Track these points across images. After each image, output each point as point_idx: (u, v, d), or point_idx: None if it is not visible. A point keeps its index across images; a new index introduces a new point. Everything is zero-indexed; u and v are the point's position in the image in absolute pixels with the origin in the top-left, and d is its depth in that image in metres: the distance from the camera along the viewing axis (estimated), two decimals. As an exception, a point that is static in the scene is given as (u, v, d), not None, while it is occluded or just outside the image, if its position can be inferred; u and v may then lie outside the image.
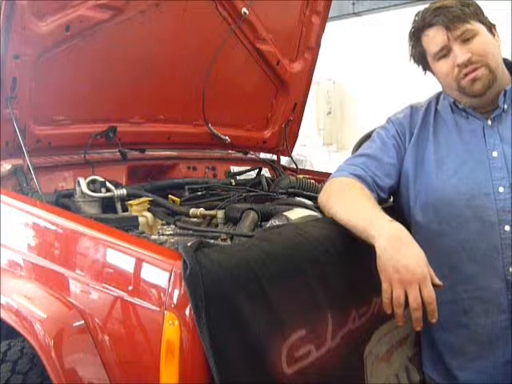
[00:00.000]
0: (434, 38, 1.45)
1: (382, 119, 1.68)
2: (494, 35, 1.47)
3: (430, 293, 1.18)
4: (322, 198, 1.50)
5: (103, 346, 1.18)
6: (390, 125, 1.62)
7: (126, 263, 1.20)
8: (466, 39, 1.41)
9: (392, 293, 1.20)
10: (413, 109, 1.62)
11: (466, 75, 1.42)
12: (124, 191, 1.85)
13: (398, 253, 1.20)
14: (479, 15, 1.45)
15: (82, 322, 1.21)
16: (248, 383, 1.06)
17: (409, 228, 1.34)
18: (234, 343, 1.05)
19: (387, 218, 1.30)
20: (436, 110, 1.57)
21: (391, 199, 1.65)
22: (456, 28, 1.41)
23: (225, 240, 1.46)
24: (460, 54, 1.41)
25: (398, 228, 1.27)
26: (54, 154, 2.06)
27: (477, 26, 1.43)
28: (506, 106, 1.46)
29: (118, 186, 1.91)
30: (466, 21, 1.41)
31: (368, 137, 1.69)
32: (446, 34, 1.42)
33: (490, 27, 1.47)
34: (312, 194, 2.14)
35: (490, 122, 1.48)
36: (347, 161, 1.60)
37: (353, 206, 1.38)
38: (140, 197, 1.85)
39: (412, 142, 1.56)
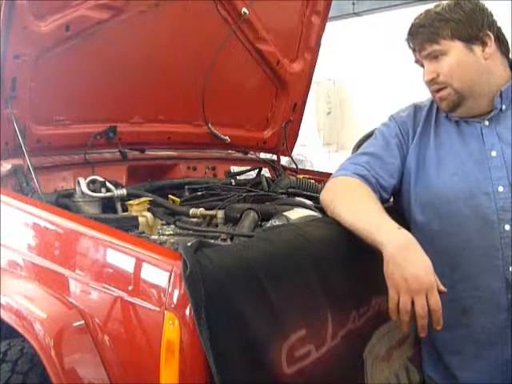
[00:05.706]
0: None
1: (382, 119, 1.68)
2: (484, 47, 1.44)
3: (436, 301, 1.18)
4: (326, 197, 1.49)
5: (103, 346, 1.18)
6: (392, 123, 1.61)
7: (125, 263, 1.20)
8: (435, 56, 1.45)
9: (399, 300, 1.20)
10: (416, 108, 1.62)
11: (434, 91, 1.49)
12: (124, 191, 1.85)
13: (406, 261, 1.20)
14: (461, 30, 1.43)
15: (82, 321, 1.21)
16: (248, 383, 1.06)
17: (409, 227, 1.34)
18: (233, 343, 1.05)
19: (395, 224, 1.29)
20: (438, 109, 1.57)
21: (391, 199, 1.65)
22: (423, 49, 1.47)
23: (225, 240, 1.46)
24: (427, 72, 1.48)
25: (407, 236, 1.26)
26: (54, 154, 2.05)
27: (448, 45, 1.43)
28: (504, 107, 1.47)
29: (117, 185, 1.91)
30: (434, 41, 1.44)
31: (368, 137, 1.69)
32: (417, 52, 1.49)
33: (481, 39, 1.44)
34: (312, 193, 2.13)
35: (487, 123, 1.48)
36: (350, 159, 1.58)
37: (359, 209, 1.37)
38: (140, 197, 1.85)
39: (414, 142, 1.56)
